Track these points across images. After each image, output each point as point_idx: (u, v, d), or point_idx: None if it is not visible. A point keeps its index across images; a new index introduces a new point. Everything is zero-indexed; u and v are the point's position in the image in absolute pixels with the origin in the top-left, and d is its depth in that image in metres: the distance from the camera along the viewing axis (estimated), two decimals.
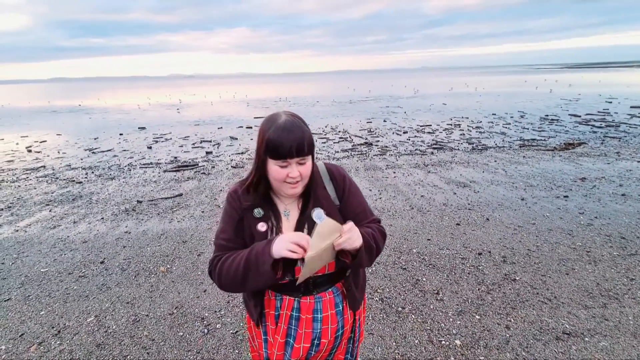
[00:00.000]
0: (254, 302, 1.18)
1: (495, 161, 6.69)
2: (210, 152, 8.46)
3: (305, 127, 1.02)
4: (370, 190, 5.23)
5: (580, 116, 12.18)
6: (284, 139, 0.98)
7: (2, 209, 4.89)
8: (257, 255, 1.00)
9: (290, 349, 1.16)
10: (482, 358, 2.08)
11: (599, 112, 13.00)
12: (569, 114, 12.75)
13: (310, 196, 1.13)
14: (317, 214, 0.99)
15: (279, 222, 1.12)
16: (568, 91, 23.70)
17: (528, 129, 10.25)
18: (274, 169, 1.03)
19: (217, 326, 2.43)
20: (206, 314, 2.55)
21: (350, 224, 1.01)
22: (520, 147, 7.92)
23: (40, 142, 10.69)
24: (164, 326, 2.44)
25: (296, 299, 1.16)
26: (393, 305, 2.59)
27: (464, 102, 18.95)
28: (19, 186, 6.04)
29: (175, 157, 8.02)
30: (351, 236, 0.99)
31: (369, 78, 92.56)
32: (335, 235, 0.99)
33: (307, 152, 1.02)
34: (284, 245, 0.96)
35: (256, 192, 1.11)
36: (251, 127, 12.33)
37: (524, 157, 6.96)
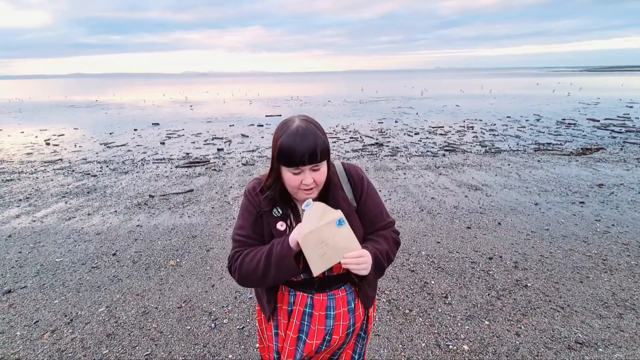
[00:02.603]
0: (268, 298, 1.19)
1: (509, 165, 6.56)
2: (222, 149, 8.55)
3: (318, 133, 1.00)
4: (380, 191, 5.19)
5: (599, 120, 11.84)
6: (296, 147, 0.96)
7: (20, 200, 5.05)
8: (279, 250, 1.03)
9: (302, 344, 1.17)
10: None
11: (618, 116, 12.61)
12: (587, 118, 12.41)
13: (328, 198, 1.12)
14: (306, 202, 1.01)
15: (298, 221, 1.13)
16: (586, 95, 23.06)
17: (544, 132, 10.02)
18: (288, 175, 1.02)
19: (224, 321, 2.45)
20: (214, 309, 2.58)
21: (362, 252, 1.00)
22: (535, 151, 7.74)
23: (58, 135, 10.99)
24: (173, 319, 2.47)
25: (309, 295, 1.16)
26: (400, 308, 2.56)
27: (478, 104, 18.64)
28: (37, 178, 6.21)
29: (187, 154, 8.13)
30: (359, 262, 0.99)
31: (381, 78, 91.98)
32: (328, 215, 0.99)
33: (321, 159, 1.00)
34: (296, 231, 1.01)
35: (273, 192, 1.11)
36: (262, 125, 12.40)
37: (538, 161, 6.80)
